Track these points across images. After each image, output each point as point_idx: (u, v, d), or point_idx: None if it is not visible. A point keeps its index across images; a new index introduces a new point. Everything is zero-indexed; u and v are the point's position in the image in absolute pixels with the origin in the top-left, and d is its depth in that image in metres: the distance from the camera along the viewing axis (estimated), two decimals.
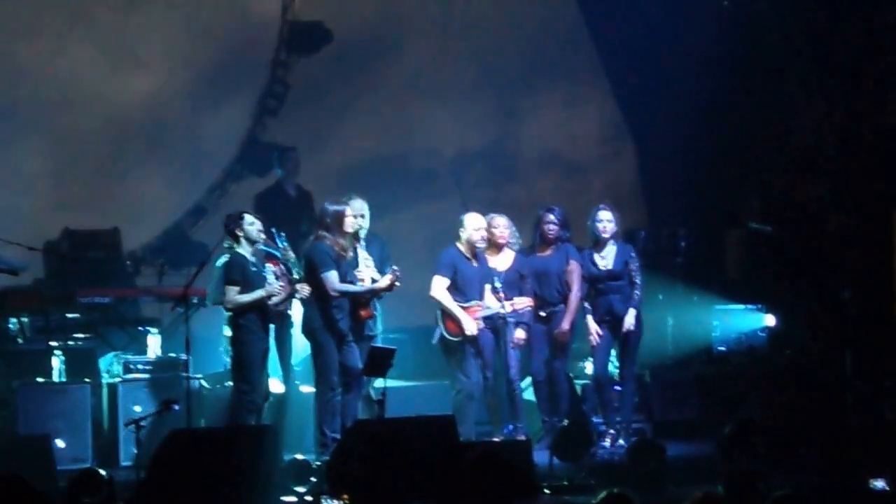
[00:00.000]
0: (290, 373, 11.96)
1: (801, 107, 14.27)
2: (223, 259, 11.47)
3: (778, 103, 14.47)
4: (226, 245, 11.30)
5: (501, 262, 11.88)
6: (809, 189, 14.25)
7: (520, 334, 11.74)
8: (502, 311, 11.55)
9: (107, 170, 14.28)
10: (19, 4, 14.08)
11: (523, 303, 11.71)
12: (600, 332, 12.03)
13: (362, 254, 11.61)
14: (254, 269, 11.16)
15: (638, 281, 12.04)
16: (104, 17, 14.28)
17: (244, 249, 11.16)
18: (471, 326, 11.56)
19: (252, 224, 11.19)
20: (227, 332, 11.48)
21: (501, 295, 11.55)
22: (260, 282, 11.15)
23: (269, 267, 11.47)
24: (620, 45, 15.26)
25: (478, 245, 11.72)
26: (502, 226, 11.89)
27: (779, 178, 14.60)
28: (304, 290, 11.31)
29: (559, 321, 11.99)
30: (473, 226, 11.72)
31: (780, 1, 14.29)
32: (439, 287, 11.67)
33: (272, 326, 11.40)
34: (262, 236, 11.29)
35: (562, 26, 15.49)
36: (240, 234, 11.16)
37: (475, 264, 11.73)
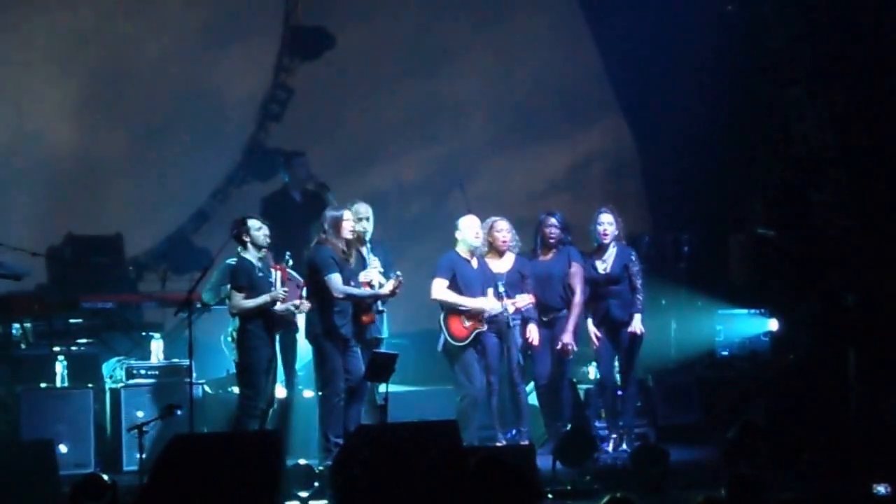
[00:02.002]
0: (293, 378, 11.95)
1: (804, 110, 14.26)
2: (228, 261, 11.46)
3: (781, 107, 14.46)
4: (239, 250, 11.27)
5: (503, 265, 11.86)
6: (813, 193, 14.25)
7: (533, 332, 11.72)
8: (505, 313, 11.53)
9: (108, 175, 14.29)
10: None
11: (524, 300, 11.68)
12: (599, 334, 12.00)
13: (370, 257, 11.59)
14: (260, 274, 11.14)
15: (638, 285, 11.96)
16: None
17: (251, 255, 11.15)
18: (487, 304, 11.54)
19: (259, 229, 11.16)
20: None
21: (505, 299, 11.54)
22: (266, 287, 11.13)
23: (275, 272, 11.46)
24: (624, 50, 15.25)
25: (476, 247, 11.70)
26: (504, 230, 11.86)
27: (782, 182, 14.60)
28: (304, 305, 11.29)
29: (562, 326, 11.96)
30: (470, 228, 11.71)
31: (784, 5, 14.29)
32: (440, 288, 11.65)
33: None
34: (269, 241, 11.26)
35: (565, 35, 15.48)
36: (246, 239, 11.14)
37: (475, 265, 11.72)
